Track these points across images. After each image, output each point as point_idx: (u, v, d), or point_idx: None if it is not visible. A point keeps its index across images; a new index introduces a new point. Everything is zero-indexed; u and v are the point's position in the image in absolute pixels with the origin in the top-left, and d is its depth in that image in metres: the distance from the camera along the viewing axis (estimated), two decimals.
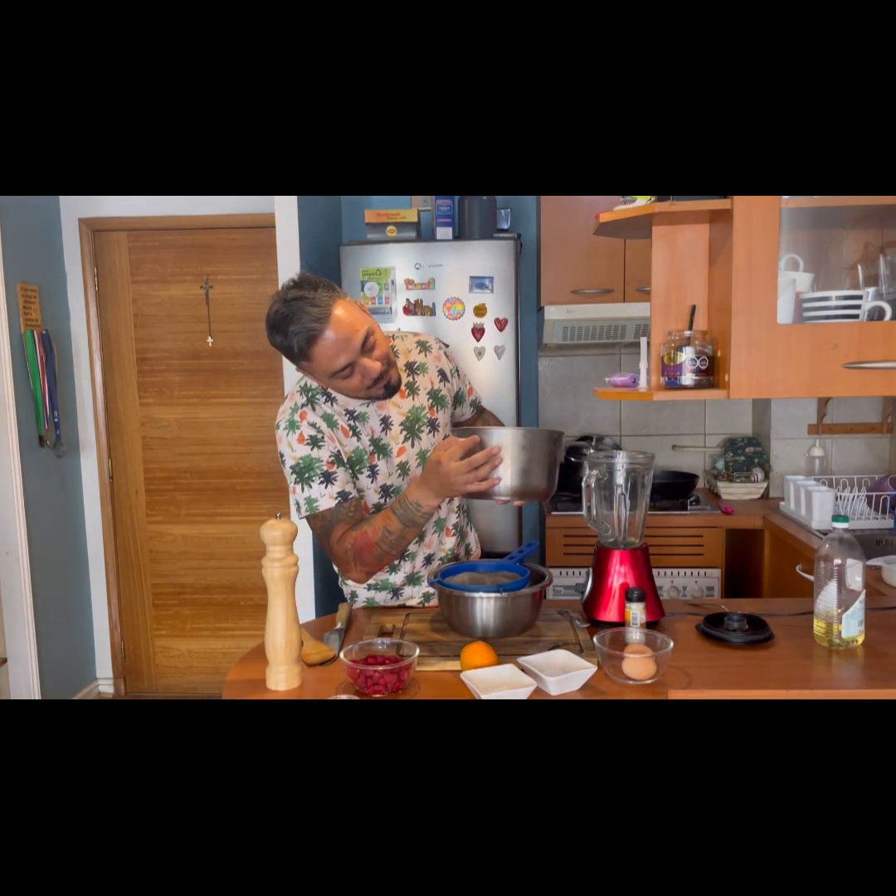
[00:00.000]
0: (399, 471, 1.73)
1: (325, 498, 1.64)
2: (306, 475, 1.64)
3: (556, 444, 1.60)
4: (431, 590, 1.84)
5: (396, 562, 1.80)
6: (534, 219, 3.34)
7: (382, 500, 1.74)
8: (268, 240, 3.35)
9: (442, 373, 1.81)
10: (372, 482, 1.71)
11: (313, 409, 1.67)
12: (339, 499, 1.65)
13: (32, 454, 3.15)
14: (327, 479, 1.64)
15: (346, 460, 1.68)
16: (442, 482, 1.54)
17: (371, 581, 1.82)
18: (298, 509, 1.67)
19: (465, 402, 1.92)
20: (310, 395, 1.68)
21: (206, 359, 3.52)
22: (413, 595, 1.85)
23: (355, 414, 1.69)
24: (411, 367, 1.76)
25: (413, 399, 1.75)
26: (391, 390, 1.65)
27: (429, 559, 1.83)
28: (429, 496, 1.58)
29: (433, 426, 1.77)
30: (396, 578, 1.83)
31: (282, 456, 1.68)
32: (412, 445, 1.74)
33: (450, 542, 1.85)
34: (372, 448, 1.70)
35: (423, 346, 1.80)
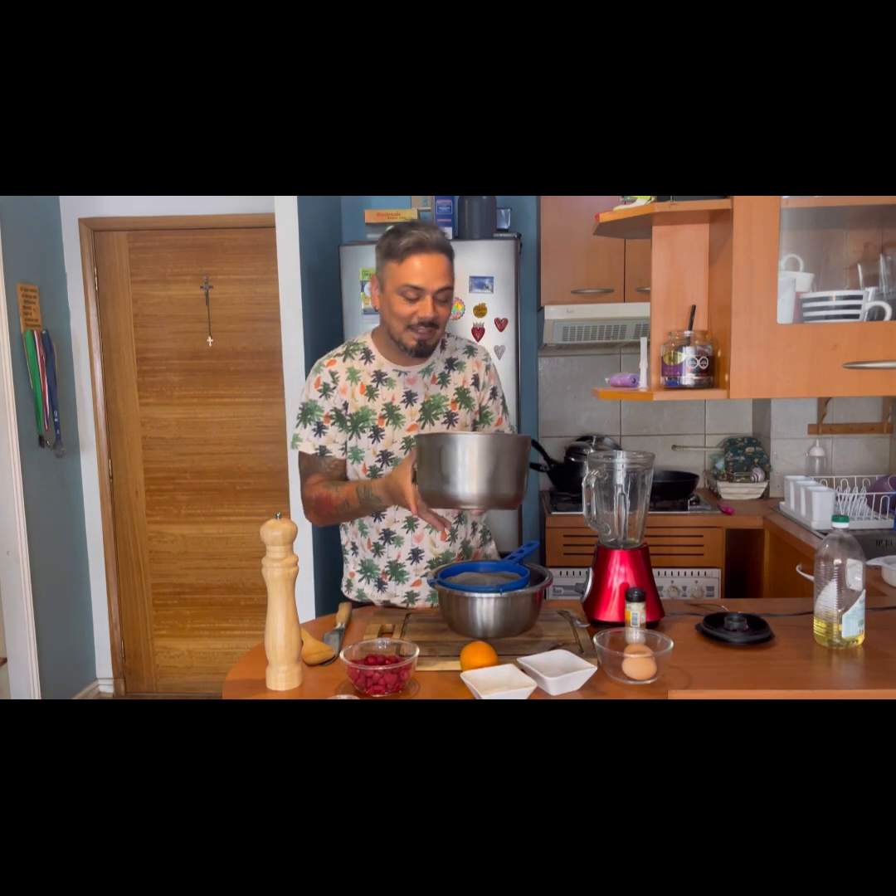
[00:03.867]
0: (404, 444, 1.79)
1: (307, 443, 1.80)
2: (307, 416, 1.80)
3: (525, 449, 1.59)
4: (415, 589, 1.85)
5: (381, 543, 1.83)
6: (534, 219, 3.34)
7: (379, 464, 1.79)
8: (268, 240, 3.36)
9: (476, 378, 1.86)
10: (373, 443, 1.78)
11: (345, 359, 1.79)
12: (319, 451, 1.79)
13: (32, 454, 3.15)
14: (319, 429, 1.79)
15: (348, 417, 1.77)
16: (392, 492, 1.64)
17: (360, 565, 1.88)
18: (290, 442, 1.83)
19: (489, 427, 1.90)
20: (351, 347, 1.81)
21: (206, 359, 3.52)
22: (396, 593, 1.86)
23: (384, 377, 1.78)
24: (451, 363, 1.84)
25: (441, 388, 1.82)
26: (423, 350, 1.73)
27: (416, 553, 1.83)
28: (385, 497, 1.68)
29: (451, 419, 1.82)
30: (380, 562, 1.84)
31: (303, 390, 1.83)
32: (423, 428, 1.80)
33: (443, 545, 1.85)
34: (384, 412, 1.77)
35: (470, 350, 1.88)
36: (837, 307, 1.54)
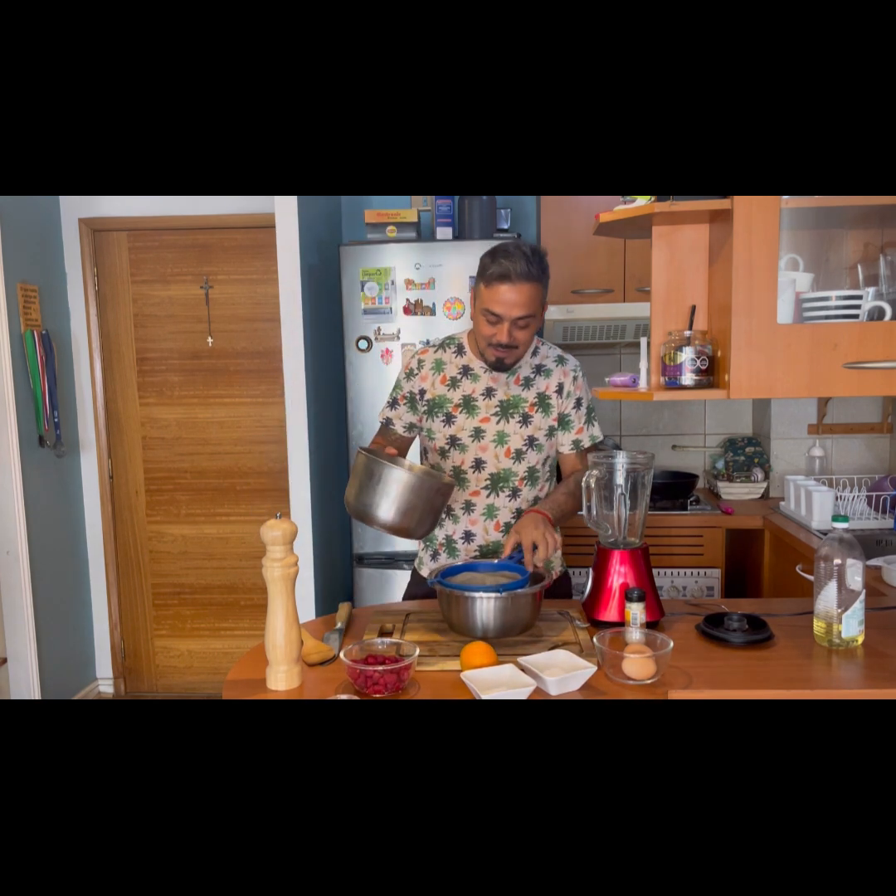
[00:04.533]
0: (474, 433, 1.91)
1: (383, 412, 2.03)
2: (393, 390, 2.01)
3: (442, 496, 1.69)
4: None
5: (443, 518, 1.96)
6: (534, 219, 3.34)
7: (447, 447, 1.93)
8: (268, 240, 3.35)
9: (561, 387, 1.94)
10: (444, 427, 1.93)
11: (437, 351, 1.97)
12: (386, 421, 2.01)
13: (32, 454, 3.15)
14: (393, 404, 2.00)
15: (423, 403, 1.95)
16: None
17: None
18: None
19: (568, 434, 1.96)
20: (447, 341, 1.99)
21: (206, 359, 3.52)
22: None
23: (470, 371, 1.93)
24: (538, 368, 1.94)
25: (523, 390, 1.92)
26: (500, 366, 1.87)
27: (468, 535, 1.93)
28: None
29: (526, 420, 1.91)
30: (440, 534, 1.98)
31: (401, 369, 2.05)
32: (496, 423, 1.91)
33: (495, 535, 1.94)
34: (460, 401, 1.92)
35: (560, 360, 1.97)
36: (837, 307, 1.54)
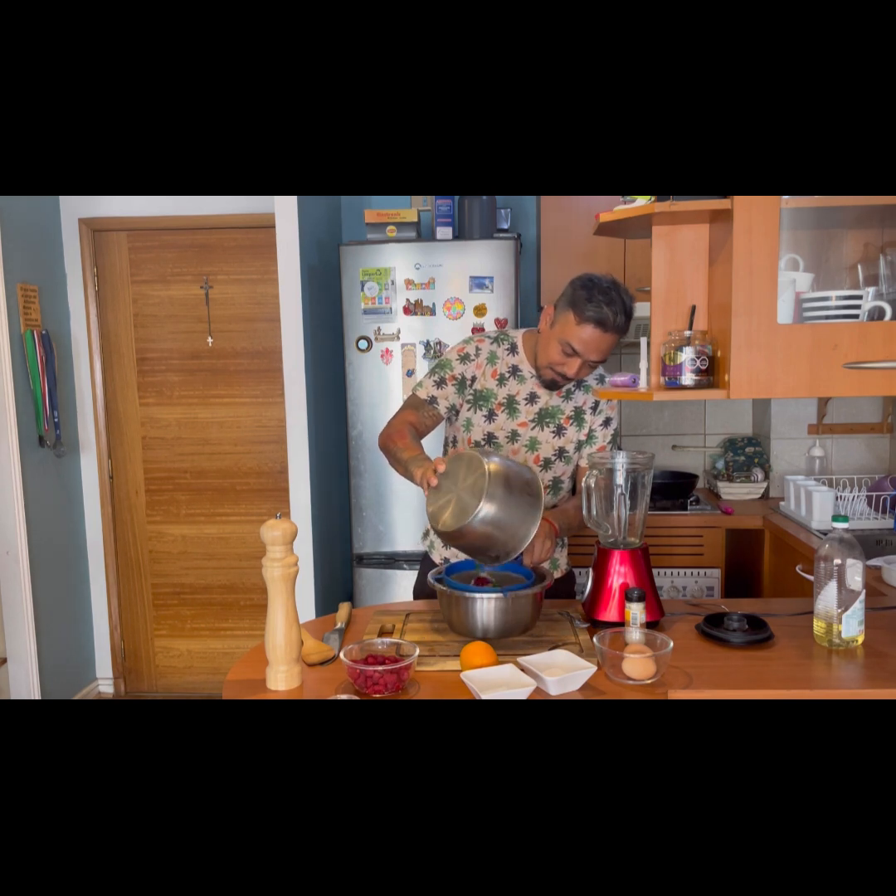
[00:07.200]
0: (510, 434, 1.94)
1: (424, 390, 1.98)
2: (435, 368, 1.99)
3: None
4: None
5: None
6: (534, 219, 3.34)
7: (483, 442, 1.95)
8: (268, 240, 3.35)
9: (596, 404, 1.98)
10: (484, 423, 1.95)
11: (492, 344, 1.98)
12: (429, 400, 1.97)
13: (32, 454, 3.15)
14: (440, 383, 1.96)
15: (471, 390, 1.95)
16: (408, 476, 1.77)
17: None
18: (413, 386, 2.05)
19: (590, 448, 1.99)
20: (501, 336, 2.00)
21: (206, 359, 3.52)
22: (459, 554, 1.92)
23: (518, 372, 1.95)
24: (579, 383, 1.98)
25: (562, 402, 1.96)
26: (550, 385, 1.90)
27: None
28: (408, 475, 1.77)
29: (559, 431, 1.96)
30: None
31: (445, 352, 2.07)
32: (532, 429, 1.95)
33: None
34: (504, 400, 1.94)
35: (601, 380, 2.01)
36: (837, 307, 1.54)
